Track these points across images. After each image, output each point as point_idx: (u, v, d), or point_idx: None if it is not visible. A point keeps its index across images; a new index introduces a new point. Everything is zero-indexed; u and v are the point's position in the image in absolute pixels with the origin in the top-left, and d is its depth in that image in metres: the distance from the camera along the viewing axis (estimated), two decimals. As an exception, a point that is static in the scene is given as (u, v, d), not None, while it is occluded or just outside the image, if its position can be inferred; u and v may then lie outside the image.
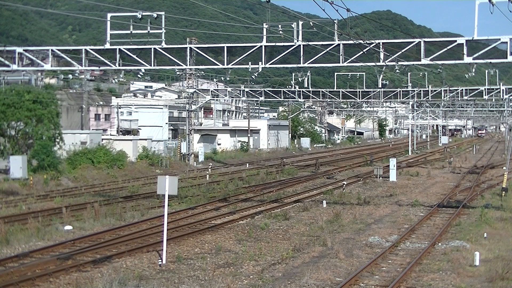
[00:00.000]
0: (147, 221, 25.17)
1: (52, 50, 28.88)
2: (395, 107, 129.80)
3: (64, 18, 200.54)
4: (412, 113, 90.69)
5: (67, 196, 33.87)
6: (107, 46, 27.55)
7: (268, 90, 63.55)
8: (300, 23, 26.57)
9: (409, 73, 53.75)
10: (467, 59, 25.15)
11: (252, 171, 50.33)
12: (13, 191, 35.05)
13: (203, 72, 61.82)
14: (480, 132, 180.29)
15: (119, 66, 28.07)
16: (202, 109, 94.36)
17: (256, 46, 27.11)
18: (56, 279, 16.29)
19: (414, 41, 25.94)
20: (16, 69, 30.23)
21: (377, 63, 26.90)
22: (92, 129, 64.59)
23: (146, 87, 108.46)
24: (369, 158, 62.94)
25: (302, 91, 59.53)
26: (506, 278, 16.27)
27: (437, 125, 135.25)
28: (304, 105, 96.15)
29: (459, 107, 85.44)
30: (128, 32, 26.99)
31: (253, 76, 40.23)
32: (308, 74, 36.90)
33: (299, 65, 27.28)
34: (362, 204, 31.52)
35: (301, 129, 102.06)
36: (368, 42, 25.73)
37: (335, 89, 59.06)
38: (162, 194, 18.98)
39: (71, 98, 67.71)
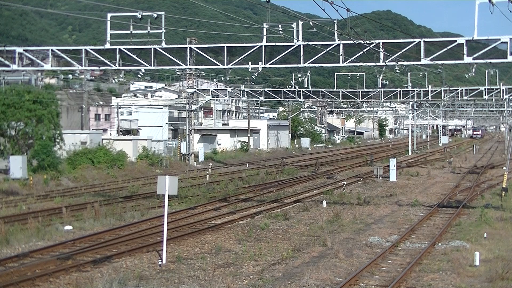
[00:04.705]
0: (147, 221, 25.17)
1: (52, 50, 28.89)
2: (395, 107, 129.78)
3: (64, 18, 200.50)
4: (412, 113, 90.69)
5: (67, 196, 33.86)
6: (107, 46, 27.56)
7: (268, 90, 63.55)
8: (300, 23, 26.57)
9: (409, 73, 53.68)
10: (467, 59, 25.15)
11: (252, 171, 50.32)
12: (13, 191, 35.04)
13: (203, 72, 61.78)
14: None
15: (119, 66, 28.08)
16: (202, 109, 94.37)
17: (256, 46, 27.12)
18: (56, 279, 16.29)
19: (414, 41, 25.94)
20: (16, 69, 30.25)
21: (377, 63, 26.91)
22: (92, 129, 64.58)
23: (146, 87, 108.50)
24: (369, 158, 62.93)
25: (302, 91, 59.51)
26: (506, 278, 16.28)
27: (437, 125, 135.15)
28: (304, 105, 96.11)
29: (459, 107, 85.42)
30: (128, 32, 26.99)
31: (253, 76, 40.34)
32: (308, 74, 36.85)
33: (299, 65, 27.28)
34: (362, 204, 31.52)
35: (301, 129, 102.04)
36: (368, 42, 25.72)
37: (335, 89, 59.04)
38: (162, 194, 18.98)
39: (71, 98, 67.70)
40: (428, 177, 47.70)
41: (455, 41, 25.44)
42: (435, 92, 55.83)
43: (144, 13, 26.13)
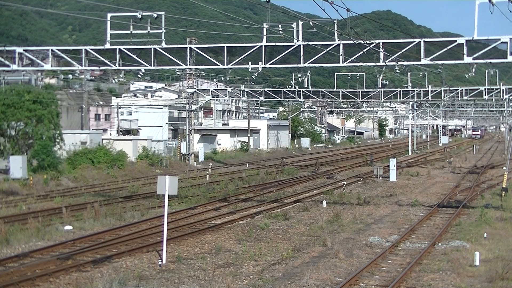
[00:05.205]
0: (147, 221, 25.17)
1: (52, 50, 28.89)
2: (395, 107, 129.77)
3: (64, 18, 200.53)
4: (412, 113, 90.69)
5: (67, 196, 33.86)
6: (107, 46, 27.55)
7: (268, 90, 63.55)
8: (300, 23, 26.57)
9: (409, 73, 53.67)
10: (467, 59, 25.14)
11: (252, 171, 50.32)
12: (13, 191, 35.04)
13: (203, 72, 61.79)
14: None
15: (119, 66, 28.08)
16: (202, 109, 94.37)
17: (256, 46, 27.12)
18: (56, 279, 16.29)
19: (414, 41, 25.94)
20: (16, 69, 30.24)
21: (377, 63, 26.90)
22: (92, 129, 64.58)
23: (146, 87, 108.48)
24: (369, 158, 62.92)
25: (302, 91, 59.51)
26: (506, 278, 16.27)
27: (437, 125, 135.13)
28: (304, 105, 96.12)
29: (459, 107, 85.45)
30: (128, 32, 26.99)
31: (253, 76, 40.29)
32: (308, 74, 36.86)
33: (299, 65, 27.28)
34: (362, 204, 31.52)
35: (301, 129, 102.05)
36: (368, 42, 25.72)
37: (335, 89, 59.07)
38: (162, 194, 18.98)
39: (71, 98, 67.69)
40: (428, 177, 47.70)
41: (455, 41, 25.44)
42: (435, 92, 55.83)
43: (144, 13, 26.13)
